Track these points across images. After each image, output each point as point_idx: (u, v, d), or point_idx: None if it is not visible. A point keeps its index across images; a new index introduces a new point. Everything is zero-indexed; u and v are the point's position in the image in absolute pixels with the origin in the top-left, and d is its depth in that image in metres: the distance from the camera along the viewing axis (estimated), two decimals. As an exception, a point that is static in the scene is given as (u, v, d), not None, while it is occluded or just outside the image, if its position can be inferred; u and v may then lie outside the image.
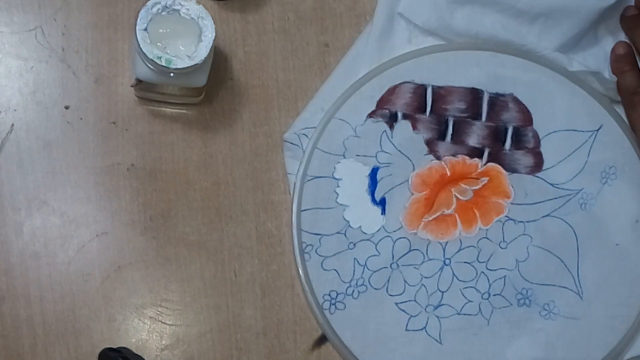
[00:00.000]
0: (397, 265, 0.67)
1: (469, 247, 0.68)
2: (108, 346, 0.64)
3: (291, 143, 0.67)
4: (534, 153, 0.68)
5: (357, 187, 0.67)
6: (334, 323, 0.66)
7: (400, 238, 0.67)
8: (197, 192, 0.67)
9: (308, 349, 0.67)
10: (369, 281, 0.67)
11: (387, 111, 0.68)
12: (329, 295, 0.67)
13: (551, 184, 0.68)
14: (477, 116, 0.68)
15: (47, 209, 0.66)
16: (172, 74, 0.60)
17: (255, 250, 0.67)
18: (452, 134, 0.68)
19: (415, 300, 0.67)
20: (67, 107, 0.66)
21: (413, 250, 0.67)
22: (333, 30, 0.69)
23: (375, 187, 0.67)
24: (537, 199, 0.68)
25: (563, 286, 0.68)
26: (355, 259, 0.67)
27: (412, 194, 0.68)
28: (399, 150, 0.68)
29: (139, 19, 0.59)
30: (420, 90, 0.68)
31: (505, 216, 0.68)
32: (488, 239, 0.68)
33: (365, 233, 0.67)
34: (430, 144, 0.68)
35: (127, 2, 0.67)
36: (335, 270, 0.67)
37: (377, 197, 0.67)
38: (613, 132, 0.69)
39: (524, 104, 0.69)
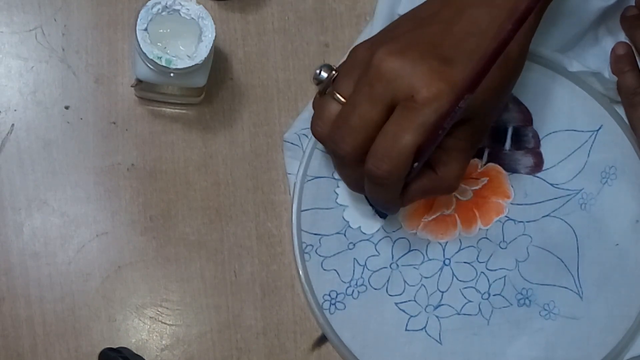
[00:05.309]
0: (397, 265, 0.67)
1: (468, 247, 0.68)
2: (108, 346, 0.64)
3: (291, 143, 0.67)
4: (534, 153, 0.68)
5: (357, 187, 0.67)
6: (334, 323, 0.66)
7: (400, 238, 0.67)
8: (197, 192, 0.67)
9: (308, 349, 0.67)
10: (368, 281, 0.67)
11: (387, 111, 0.68)
12: (329, 295, 0.67)
13: (551, 184, 0.68)
14: (477, 116, 0.68)
15: (47, 209, 0.66)
16: (172, 74, 0.60)
17: (255, 250, 0.67)
18: (452, 134, 0.68)
19: (415, 300, 0.67)
20: (67, 107, 0.66)
21: (413, 250, 0.67)
22: (333, 30, 0.69)
23: (375, 187, 0.67)
24: (537, 199, 0.68)
25: (563, 286, 0.68)
26: (355, 259, 0.67)
27: (412, 194, 0.68)
28: (399, 150, 0.68)
29: (139, 19, 0.59)
30: (420, 90, 0.68)
31: (505, 216, 0.68)
32: (488, 239, 0.68)
33: (364, 233, 0.67)
34: (430, 144, 0.68)
35: (127, 2, 0.67)
36: (335, 270, 0.67)
37: (377, 197, 0.67)
38: (613, 132, 0.69)
39: (523, 104, 0.69)
